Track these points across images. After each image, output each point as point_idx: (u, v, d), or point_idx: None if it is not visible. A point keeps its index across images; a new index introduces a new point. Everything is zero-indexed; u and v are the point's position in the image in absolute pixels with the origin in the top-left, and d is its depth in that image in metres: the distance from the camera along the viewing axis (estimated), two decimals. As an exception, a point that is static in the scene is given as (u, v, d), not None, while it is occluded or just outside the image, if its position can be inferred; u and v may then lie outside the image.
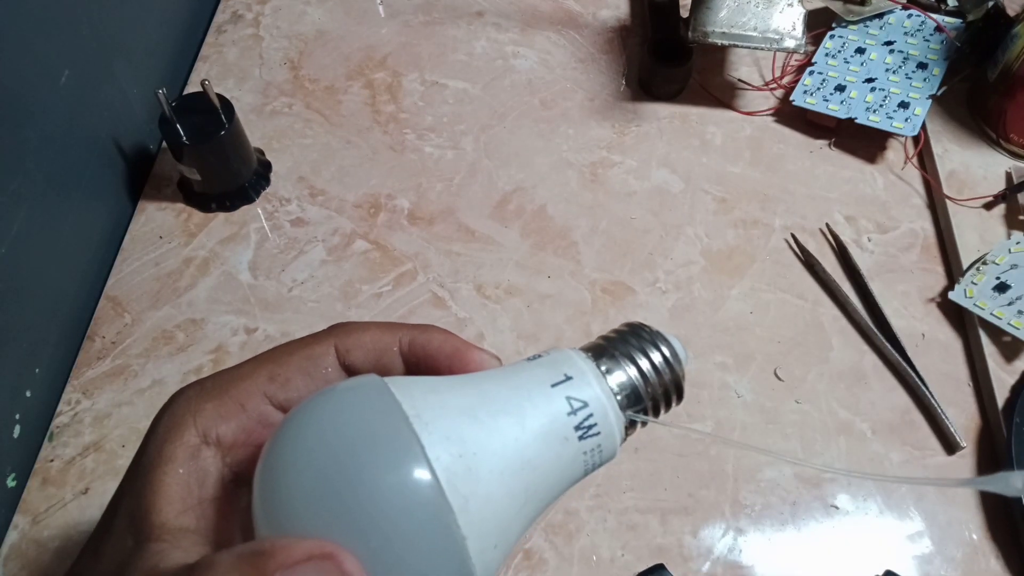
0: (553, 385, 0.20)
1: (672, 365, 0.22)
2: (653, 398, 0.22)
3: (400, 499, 0.17)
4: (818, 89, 0.56)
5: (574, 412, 0.20)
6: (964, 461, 0.43)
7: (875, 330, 0.47)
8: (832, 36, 0.59)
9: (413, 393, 0.19)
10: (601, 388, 0.21)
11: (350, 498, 0.17)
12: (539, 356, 0.22)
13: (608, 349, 0.22)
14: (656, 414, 0.22)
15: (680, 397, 0.23)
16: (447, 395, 0.20)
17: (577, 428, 0.20)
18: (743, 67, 0.61)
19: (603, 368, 0.21)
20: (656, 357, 0.22)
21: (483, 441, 0.19)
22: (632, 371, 0.22)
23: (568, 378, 0.21)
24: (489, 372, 0.22)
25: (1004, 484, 0.21)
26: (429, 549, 0.17)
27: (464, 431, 0.19)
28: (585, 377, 0.21)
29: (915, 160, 0.56)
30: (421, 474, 0.17)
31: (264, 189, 0.54)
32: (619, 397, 0.21)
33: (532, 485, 0.20)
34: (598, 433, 0.21)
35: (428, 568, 0.17)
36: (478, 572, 0.18)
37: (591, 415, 0.20)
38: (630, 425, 0.22)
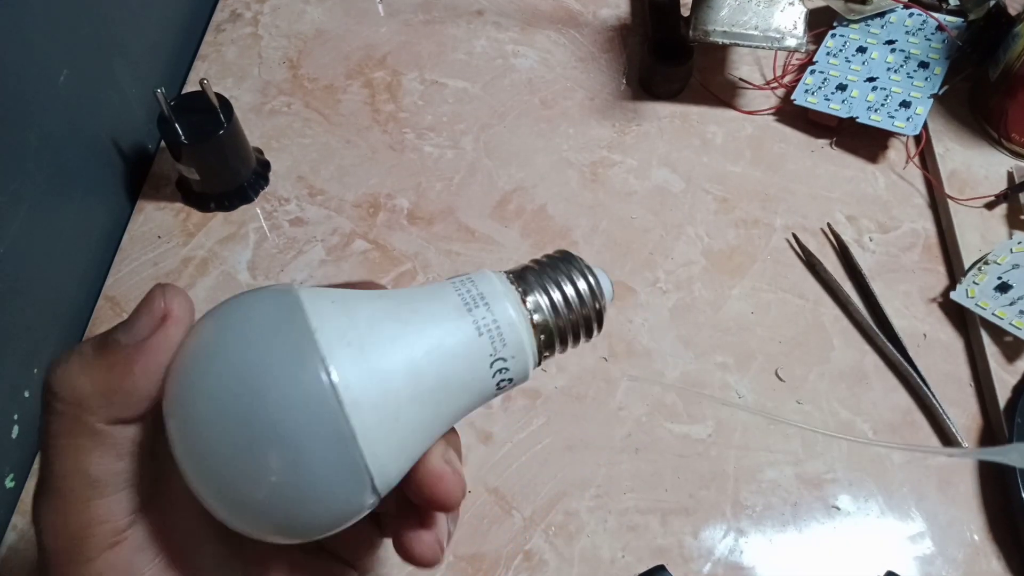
0: (465, 302, 0.21)
1: (595, 296, 0.23)
2: (572, 324, 0.22)
3: (301, 408, 0.18)
4: (819, 88, 0.56)
5: (484, 330, 0.20)
6: (965, 461, 0.43)
7: (876, 330, 0.47)
8: (833, 35, 0.59)
9: (320, 303, 0.19)
10: (513, 308, 0.21)
11: (257, 409, 0.18)
12: (464, 280, 0.22)
13: (530, 273, 0.22)
14: (574, 342, 0.23)
15: (599, 328, 0.23)
16: (355, 305, 0.20)
17: (486, 346, 0.20)
18: (744, 66, 0.61)
19: (520, 290, 0.22)
20: (581, 285, 0.22)
21: (386, 352, 0.19)
22: (550, 297, 0.22)
23: (481, 296, 0.21)
24: (407, 289, 0.22)
25: (1016, 456, 0.21)
26: (329, 455, 0.18)
27: (366, 341, 0.19)
28: (497, 296, 0.21)
29: (917, 159, 0.55)
30: (320, 383, 0.18)
31: (263, 189, 0.54)
32: (534, 320, 0.21)
33: (435, 397, 0.20)
34: (509, 354, 0.21)
35: (329, 472, 0.18)
36: (377, 478, 0.18)
37: (501, 334, 0.21)
38: (546, 349, 0.22)
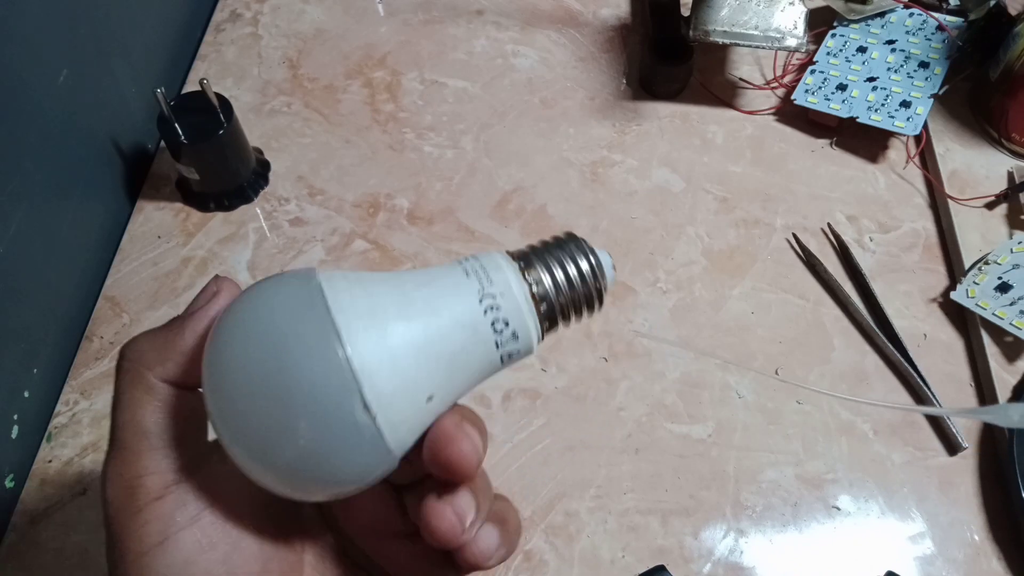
0: (468, 275, 0.22)
1: (595, 273, 0.24)
2: (573, 299, 0.23)
3: (321, 377, 0.19)
4: (820, 88, 0.56)
5: (489, 308, 0.22)
6: (966, 462, 0.43)
7: (877, 330, 0.47)
8: (834, 35, 0.59)
9: (337, 282, 0.21)
10: (515, 280, 0.22)
11: (281, 379, 0.20)
12: (469, 257, 0.23)
13: (532, 251, 0.24)
14: (577, 316, 0.24)
15: (600, 303, 0.24)
16: (367, 283, 0.22)
17: (489, 315, 0.22)
18: (744, 66, 0.61)
19: (520, 264, 0.23)
20: (581, 262, 0.24)
21: (394, 324, 0.21)
22: (551, 271, 0.23)
23: (483, 269, 0.22)
24: (418, 270, 0.23)
25: (1002, 416, 0.23)
26: (346, 419, 0.20)
27: (376, 315, 0.21)
28: (499, 268, 0.22)
29: (917, 159, 0.55)
30: (336, 355, 0.19)
31: (263, 188, 0.54)
32: (533, 291, 0.23)
33: (442, 365, 0.21)
34: (511, 324, 0.22)
35: (347, 435, 0.20)
36: (391, 441, 0.20)
37: (502, 305, 0.22)
38: (548, 321, 0.23)
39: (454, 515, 0.22)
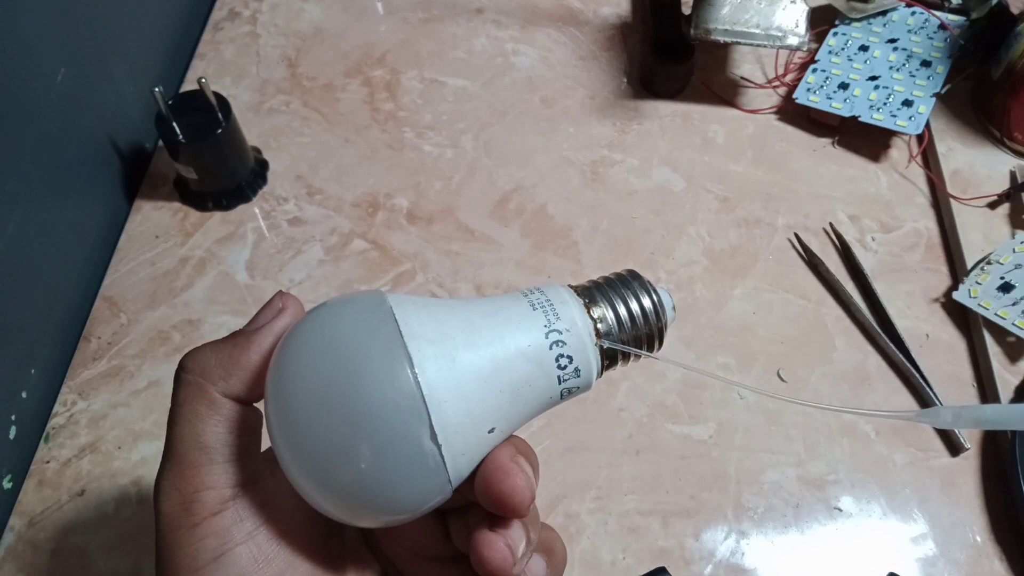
0: (534, 308, 0.22)
1: (657, 313, 0.24)
2: (635, 338, 0.24)
3: (389, 402, 0.19)
4: (821, 87, 0.56)
5: (555, 343, 0.22)
6: (968, 462, 0.43)
7: (879, 330, 0.47)
8: (835, 33, 0.59)
9: (407, 307, 0.21)
10: (580, 316, 0.23)
11: (349, 400, 0.19)
12: (533, 290, 0.23)
13: (595, 287, 0.24)
14: (635, 357, 0.24)
15: (660, 344, 0.24)
16: (437, 310, 0.22)
17: (556, 358, 0.22)
18: (745, 65, 0.61)
19: (585, 301, 0.23)
20: (644, 301, 0.24)
21: (467, 359, 0.21)
22: (615, 309, 0.23)
23: (550, 304, 0.23)
24: (481, 299, 0.23)
25: (935, 418, 0.24)
26: (410, 446, 0.19)
27: (447, 343, 0.21)
28: (565, 304, 0.23)
29: (919, 159, 0.55)
30: (407, 381, 0.19)
31: (261, 188, 0.53)
32: (598, 329, 0.23)
33: (505, 397, 0.21)
34: (575, 365, 0.22)
35: (410, 461, 0.20)
36: (451, 470, 0.20)
37: (567, 341, 0.22)
38: (609, 361, 0.24)
39: (506, 547, 0.22)
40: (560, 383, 0.22)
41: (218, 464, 0.22)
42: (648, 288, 0.24)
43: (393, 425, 0.19)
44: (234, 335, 0.23)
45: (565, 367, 0.22)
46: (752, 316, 0.48)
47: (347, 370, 0.20)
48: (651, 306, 0.24)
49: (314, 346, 0.21)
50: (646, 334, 0.24)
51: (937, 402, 0.44)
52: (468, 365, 0.21)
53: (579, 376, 0.23)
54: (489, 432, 0.21)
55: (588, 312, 0.23)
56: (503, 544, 0.22)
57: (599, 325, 0.23)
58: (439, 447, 0.20)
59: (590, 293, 0.23)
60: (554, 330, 0.22)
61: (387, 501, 0.20)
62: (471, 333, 0.21)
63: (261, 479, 0.23)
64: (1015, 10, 0.57)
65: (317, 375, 0.20)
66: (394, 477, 0.20)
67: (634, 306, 0.24)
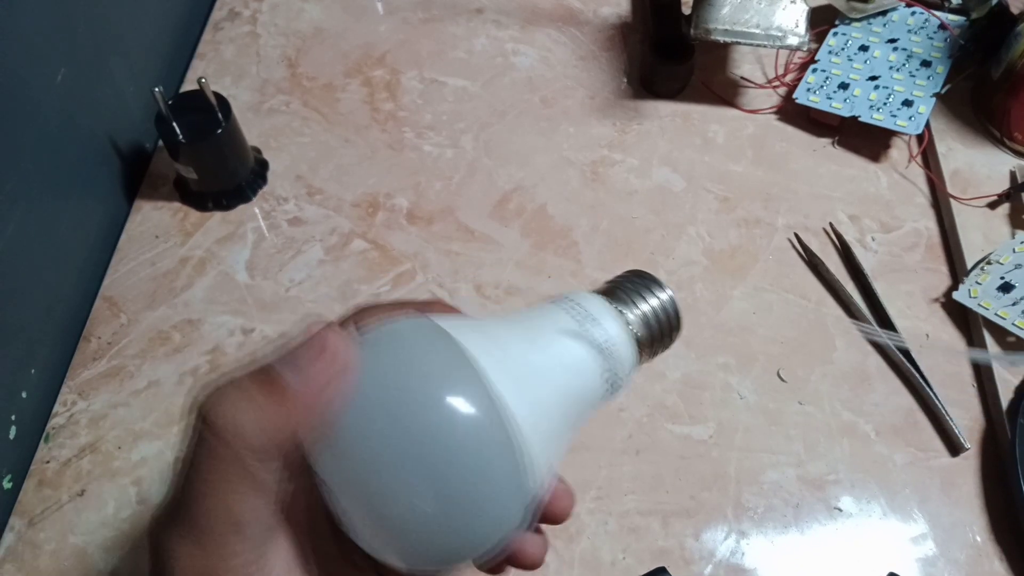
0: (577, 322, 0.24)
1: (676, 310, 0.26)
2: (662, 337, 0.26)
3: (475, 432, 0.19)
4: (821, 87, 0.56)
5: (611, 387, 0.24)
6: (968, 462, 0.43)
7: (879, 331, 0.47)
8: (835, 33, 0.59)
9: (467, 335, 0.21)
10: (619, 326, 0.24)
11: (431, 438, 0.19)
12: (562, 299, 0.25)
13: (620, 292, 0.26)
14: (661, 348, 0.26)
15: (679, 332, 0.26)
16: (490, 330, 0.22)
17: (601, 361, 0.23)
18: (745, 65, 0.61)
19: (618, 309, 0.25)
20: (663, 298, 0.26)
21: (528, 373, 0.21)
22: (643, 313, 0.25)
23: (591, 317, 0.24)
24: (518, 312, 0.24)
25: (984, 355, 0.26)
26: (500, 476, 0.20)
27: (511, 365, 0.21)
28: (604, 315, 0.24)
29: (919, 159, 0.55)
30: (487, 406, 0.19)
31: (261, 188, 0.53)
32: (637, 336, 0.25)
33: (563, 411, 0.22)
34: (617, 368, 0.24)
35: (500, 491, 0.20)
36: (532, 487, 0.20)
37: (611, 350, 0.23)
38: (641, 356, 0.25)
39: (544, 543, 0.24)
40: (605, 390, 0.24)
41: (249, 537, 0.19)
42: (659, 286, 0.26)
43: (481, 454, 0.19)
44: (276, 392, 0.19)
45: (610, 373, 0.24)
46: (752, 316, 0.48)
47: (420, 405, 0.19)
48: (669, 302, 0.26)
49: (390, 395, 0.20)
50: (668, 331, 0.26)
51: (937, 402, 0.44)
52: (534, 383, 0.21)
53: (620, 382, 0.24)
54: (556, 448, 0.22)
55: (623, 319, 0.24)
56: (542, 542, 0.23)
57: (637, 332, 0.25)
58: (524, 469, 0.20)
59: (617, 298, 0.25)
60: (599, 342, 0.23)
61: (476, 535, 0.20)
62: (527, 350, 0.22)
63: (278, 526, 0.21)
64: (1015, 10, 0.57)
65: (396, 423, 0.19)
66: (484, 507, 0.20)
67: (655, 303, 0.25)
